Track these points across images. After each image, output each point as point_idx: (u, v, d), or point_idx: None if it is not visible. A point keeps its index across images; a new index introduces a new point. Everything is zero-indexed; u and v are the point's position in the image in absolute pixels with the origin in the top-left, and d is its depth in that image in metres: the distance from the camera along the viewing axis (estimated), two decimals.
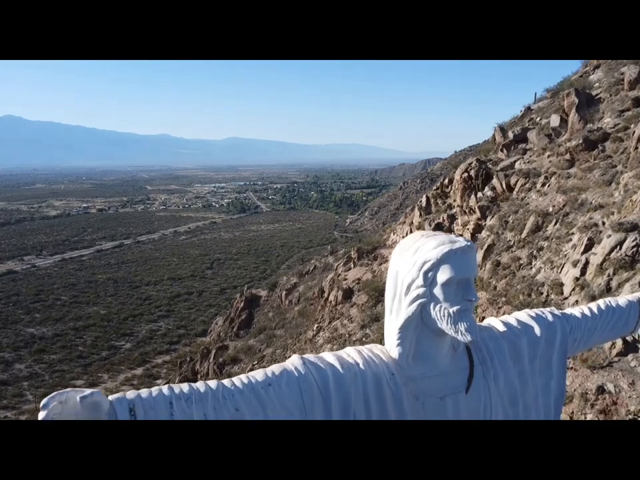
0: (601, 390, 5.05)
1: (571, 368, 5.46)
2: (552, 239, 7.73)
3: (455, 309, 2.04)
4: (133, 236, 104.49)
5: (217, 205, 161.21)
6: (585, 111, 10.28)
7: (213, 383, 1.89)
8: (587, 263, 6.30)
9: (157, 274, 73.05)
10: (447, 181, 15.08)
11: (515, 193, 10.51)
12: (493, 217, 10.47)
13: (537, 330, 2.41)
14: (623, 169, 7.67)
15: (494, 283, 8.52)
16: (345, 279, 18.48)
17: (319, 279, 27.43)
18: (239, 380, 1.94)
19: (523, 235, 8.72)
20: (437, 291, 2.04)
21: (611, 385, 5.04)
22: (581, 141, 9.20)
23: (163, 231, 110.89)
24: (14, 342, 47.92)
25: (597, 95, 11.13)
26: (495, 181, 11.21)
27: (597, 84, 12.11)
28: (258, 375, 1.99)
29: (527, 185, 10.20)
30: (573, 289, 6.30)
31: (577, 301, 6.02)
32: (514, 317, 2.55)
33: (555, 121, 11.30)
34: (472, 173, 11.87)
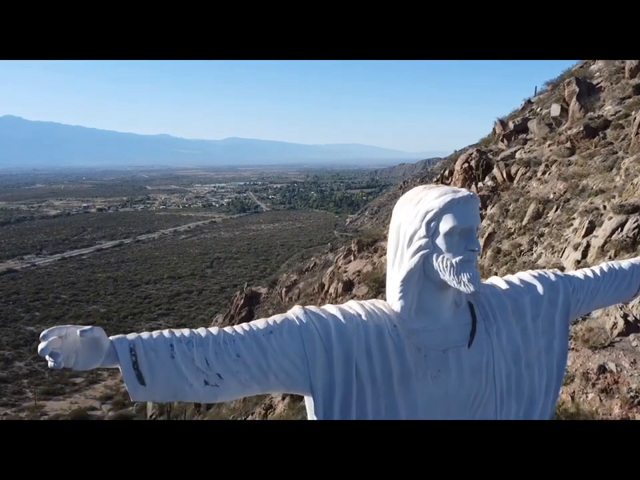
0: (602, 369, 5.03)
1: (572, 349, 5.46)
2: (553, 225, 7.72)
3: (457, 259, 2.02)
4: (133, 235, 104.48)
5: (217, 205, 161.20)
6: (586, 100, 10.27)
7: (213, 329, 1.87)
8: (588, 245, 6.28)
9: (157, 273, 73.01)
10: (447, 172, 15.07)
11: (515, 182, 10.50)
12: (493, 206, 10.46)
13: (540, 288, 2.40)
14: (624, 154, 7.66)
15: (495, 270, 8.51)
16: (345, 272, 18.45)
17: (319, 276, 27.42)
18: (240, 327, 1.92)
19: (524, 222, 8.72)
20: (440, 242, 2.02)
21: (612, 364, 5.03)
22: (581, 129, 9.19)
23: (162, 230, 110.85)
24: (14, 340, 47.90)
25: (597, 84, 11.13)
26: (495, 171, 11.21)
27: (598, 73, 12.10)
28: (259, 323, 1.97)
29: (528, 174, 10.20)
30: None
31: None
32: (516, 277, 2.54)
33: (555, 110, 11.28)
34: (472, 163, 11.86)
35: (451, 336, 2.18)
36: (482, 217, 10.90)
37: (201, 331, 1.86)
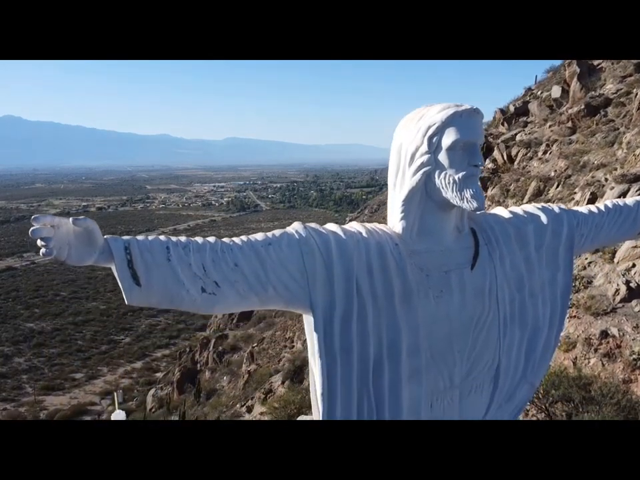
0: (604, 334, 5.00)
1: (574, 316, 5.42)
2: (554, 201, 7.63)
3: (460, 175, 1.98)
4: (133, 234, 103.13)
5: (217, 204, 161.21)
6: (587, 80, 10.22)
7: (210, 238, 1.83)
8: None
9: None
10: None
11: (516, 163, 10.45)
12: (494, 187, 10.41)
13: (544, 218, 2.37)
14: (626, 130, 7.63)
15: None
16: None
17: None
18: (238, 239, 1.88)
19: (525, 200, 8.64)
20: (442, 157, 1.98)
21: (614, 329, 4.99)
22: (582, 107, 9.14)
23: (162, 229, 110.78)
24: (13, 336, 47.87)
25: (598, 64, 11.08)
26: (495, 153, 11.16)
27: None
28: (257, 235, 1.93)
29: (529, 154, 10.15)
30: None
31: (579, 254, 5.99)
32: (520, 208, 2.51)
33: (556, 92, 11.23)
34: None
35: (453, 258, 2.14)
36: None
37: (198, 239, 1.82)
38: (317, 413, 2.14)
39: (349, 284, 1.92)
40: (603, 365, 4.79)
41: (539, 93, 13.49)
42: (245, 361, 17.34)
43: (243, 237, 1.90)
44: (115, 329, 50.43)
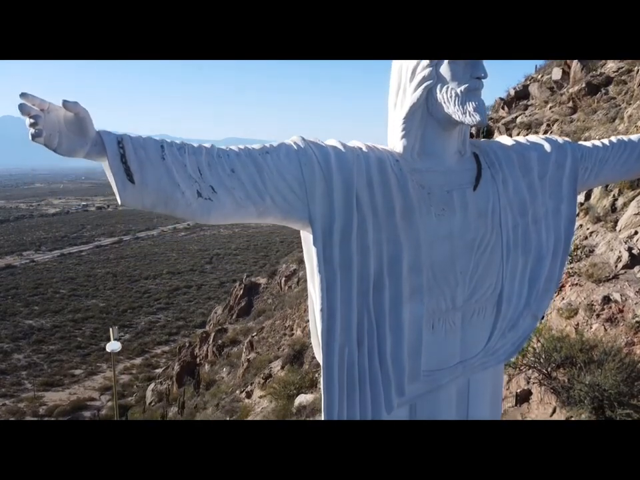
0: (606, 300, 4.96)
1: (576, 284, 5.38)
2: None
3: (462, 87, 1.95)
4: (132, 232, 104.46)
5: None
6: (587, 60, 10.17)
7: (206, 144, 1.79)
8: (591, 188, 6.18)
9: (156, 268, 72.92)
10: None
11: None
12: None
13: (547, 147, 2.35)
14: (627, 105, 7.58)
15: None
16: None
17: None
18: (235, 146, 1.85)
19: None
20: (444, 69, 1.94)
21: (617, 294, 4.95)
22: (583, 85, 9.09)
23: (162, 228, 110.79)
24: (12, 333, 47.80)
25: None
26: (496, 135, 11.11)
27: None
28: (255, 145, 1.89)
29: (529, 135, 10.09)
30: (577, 214, 6.21)
31: (580, 225, 5.96)
32: (523, 137, 2.50)
33: (556, 74, 11.18)
34: (473, 130, 11.70)
35: (455, 178, 2.11)
36: None
37: (193, 143, 1.78)
38: (317, 348, 2.10)
39: (349, 197, 1.89)
40: (605, 329, 4.74)
41: (539, 77, 13.45)
42: (244, 350, 17.27)
43: (240, 145, 1.87)
44: (114, 325, 50.38)
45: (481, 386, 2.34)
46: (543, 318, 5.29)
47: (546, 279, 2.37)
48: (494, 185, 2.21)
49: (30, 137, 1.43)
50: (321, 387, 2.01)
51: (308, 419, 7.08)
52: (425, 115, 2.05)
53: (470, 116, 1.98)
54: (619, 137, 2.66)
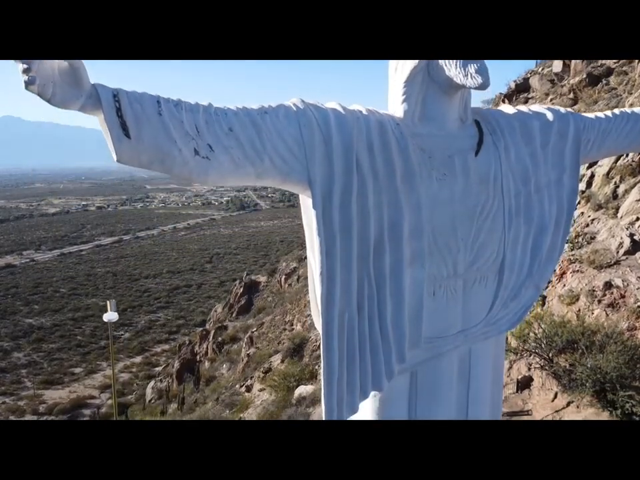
0: (608, 285, 4.93)
1: (577, 270, 5.35)
2: None
3: None
4: (132, 232, 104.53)
5: (216, 203, 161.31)
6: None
7: (204, 102, 1.76)
8: (592, 176, 6.18)
9: (156, 268, 72.95)
10: None
11: None
12: None
13: (550, 116, 2.32)
14: (628, 94, 7.55)
15: None
16: None
17: None
18: (233, 105, 1.82)
19: None
20: None
21: (618, 279, 4.92)
22: (584, 76, 9.07)
23: (162, 227, 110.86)
24: (12, 332, 47.83)
25: None
26: None
27: None
28: (253, 105, 1.86)
29: None
30: (579, 202, 6.20)
31: (582, 213, 5.94)
32: (526, 106, 2.47)
33: (557, 66, 11.14)
34: None
35: (457, 143, 2.09)
36: None
37: (190, 101, 1.75)
38: (316, 318, 2.07)
39: (349, 159, 1.86)
40: (607, 314, 4.72)
41: (540, 69, 13.42)
42: (244, 345, 17.23)
43: (238, 105, 1.84)
44: (114, 324, 50.34)
45: (483, 355, 2.31)
46: (544, 305, 5.26)
47: (548, 249, 2.35)
48: (496, 152, 2.18)
49: (23, 85, 1.40)
50: (321, 353, 1.98)
51: (308, 420, 7.05)
52: (425, 79, 2.03)
53: (472, 78, 1.95)
54: (622, 109, 2.63)
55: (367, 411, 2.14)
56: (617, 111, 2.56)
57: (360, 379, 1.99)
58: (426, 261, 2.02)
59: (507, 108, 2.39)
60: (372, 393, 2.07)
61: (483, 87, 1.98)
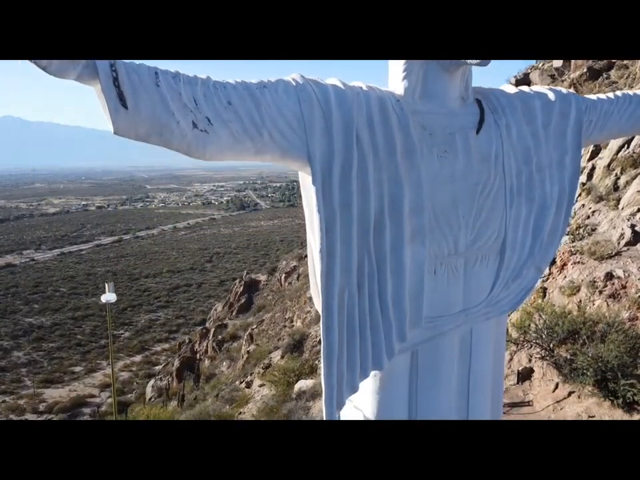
0: (609, 276, 4.91)
1: (578, 262, 5.33)
2: None
3: None
4: (132, 231, 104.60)
5: (217, 203, 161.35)
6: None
7: (202, 75, 1.74)
8: (593, 168, 6.16)
9: (156, 267, 73.00)
10: None
11: None
12: None
13: (551, 96, 2.30)
14: (629, 89, 7.51)
15: None
16: None
17: None
18: (231, 79, 1.79)
19: None
20: None
21: (620, 270, 4.90)
22: (585, 71, 9.05)
23: (162, 227, 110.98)
24: (12, 331, 47.86)
25: None
26: None
27: None
28: (252, 79, 1.84)
29: None
30: (579, 195, 6.19)
31: (582, 205, 5.93)
32: (527, 87, 2.45)
33: (558, 61, 11.13)
34: None
35: (458, 121, 2.07)
36: None
37: (189, 73, 1.72)
38: (316, 299, 2.05)
39: (349, 135, 1.84)
40: (608, 305, 4.70)
41: (540, 65, 13.41)
42: (244, 342, 17.24)
43: (237, 78, 1.81)
44: (114, 323, 50.32)
45: (484, 336, 2.29)
46: (545, 297, 5.24)
47: (550, 230, 2.32)
48: (497, 130, 2.16)
49: None
50: (320, 332, 1.96)
51: (308, 419, 7.02)
52: None
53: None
54: (624, 91, 2.61)
55: (367, 391, 2.12)
56: (619, 92, 2.54)
57: (360, 357, 1.97)
58: (427, 238, 1.99)
59: (508, 87, 2.37)
60: (372, 373, 2.04)
61: (483, 63, 1.96)
